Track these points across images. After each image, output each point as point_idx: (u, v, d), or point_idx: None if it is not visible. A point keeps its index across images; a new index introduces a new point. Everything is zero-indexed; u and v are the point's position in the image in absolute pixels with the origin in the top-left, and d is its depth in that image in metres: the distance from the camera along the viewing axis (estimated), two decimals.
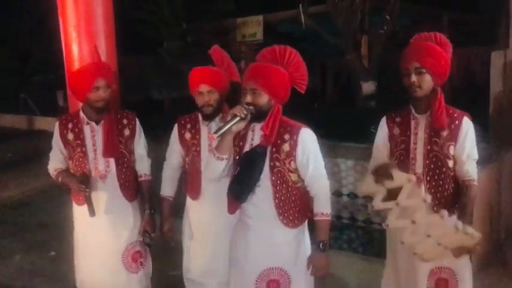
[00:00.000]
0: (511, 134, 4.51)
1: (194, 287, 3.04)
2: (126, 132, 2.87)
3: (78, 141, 2.77)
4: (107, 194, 2.81)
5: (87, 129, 2.78)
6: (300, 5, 7.88)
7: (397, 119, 2.61)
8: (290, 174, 2.36)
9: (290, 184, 2.37)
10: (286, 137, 2.36)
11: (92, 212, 2.73)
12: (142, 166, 2.96)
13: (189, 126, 2.93)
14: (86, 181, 2.71)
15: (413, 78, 2.41)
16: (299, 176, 2.39)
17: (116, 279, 2.92)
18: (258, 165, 2.35)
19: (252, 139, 2.43)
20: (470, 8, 11.49)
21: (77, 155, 2.79)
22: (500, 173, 4.29)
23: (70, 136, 2.79)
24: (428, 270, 2.51)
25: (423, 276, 2.52)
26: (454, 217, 2.28)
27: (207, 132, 2.86)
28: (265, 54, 2.42)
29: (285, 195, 2.37)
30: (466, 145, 2.45)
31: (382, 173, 2.29)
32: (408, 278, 2.59)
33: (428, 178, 2.49)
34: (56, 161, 2.87)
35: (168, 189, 3.02)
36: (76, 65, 2.87)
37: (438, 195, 2.49)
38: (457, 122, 2.46)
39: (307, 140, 2.37)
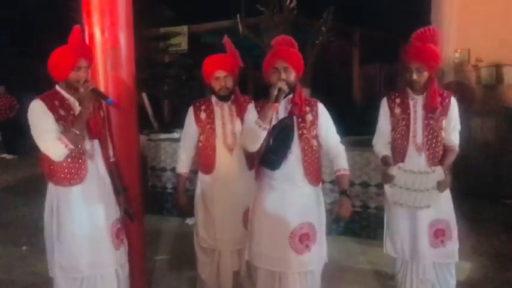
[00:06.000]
0: None
1: (206, 256, 3.32)
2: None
3: None
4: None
5: None
6: (238, 16, 8.31)
7: (397, 100, 3.13)
8: (313, 140, 2.78)
9: (314, 148, 2.78)
10: (307, 109, 2.77)
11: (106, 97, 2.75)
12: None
13: (203, 107, 3.23)
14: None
15: (415, 76, 2.96)
16: (318, 141, 2.81)
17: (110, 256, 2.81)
18: (290, 134, 2.71)
19: (277, 113, 2.77)
20: (377, 25, 12.45)
21: None
22: None
23: None
24: (428, 222, 3.06)
25: (425, 228, 3.07)
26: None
27: (220, 112, 3.20)
28: (281, 41, 2.78)
29: (310, 158, 2.77)
30: (453, 117, 3.05)
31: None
32: (410, 232, 3.12)
33: (427, 146, 3.04)
34: None
35: (184, 167, 3.33)
36: (97, 50, 3.02)
37: (434, 158, 3.05)
38: (447, 100, 3.05)
39: (324, 111, 2.83)
